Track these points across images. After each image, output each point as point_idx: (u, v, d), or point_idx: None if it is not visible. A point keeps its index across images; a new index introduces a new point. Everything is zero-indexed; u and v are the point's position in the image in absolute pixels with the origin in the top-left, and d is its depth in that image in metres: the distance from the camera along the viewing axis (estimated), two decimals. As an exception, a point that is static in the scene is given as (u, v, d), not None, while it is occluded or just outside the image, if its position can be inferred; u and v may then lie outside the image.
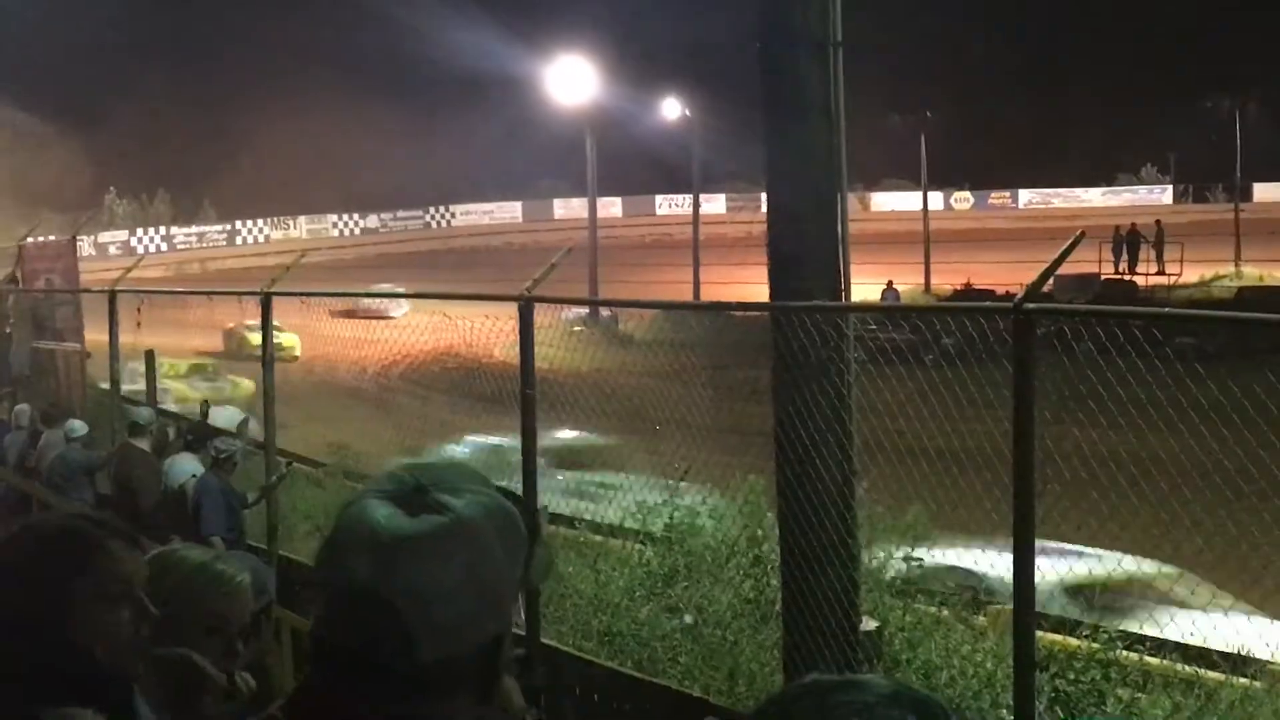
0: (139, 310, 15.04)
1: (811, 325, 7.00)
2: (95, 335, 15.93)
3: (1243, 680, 7.65)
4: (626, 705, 7.71)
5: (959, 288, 41.23)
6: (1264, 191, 66.04)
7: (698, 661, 8.47)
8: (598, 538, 10.78)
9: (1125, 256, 48.59)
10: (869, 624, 7.33)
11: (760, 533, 9.31)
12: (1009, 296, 5.76)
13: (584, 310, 33.35)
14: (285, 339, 27.15)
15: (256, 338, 28.63)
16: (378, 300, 36.86)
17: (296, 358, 29.24)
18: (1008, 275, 29.36)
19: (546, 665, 7.97)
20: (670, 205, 72.43)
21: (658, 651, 8.67)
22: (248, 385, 27.64)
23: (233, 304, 19.49)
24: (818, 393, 7.01)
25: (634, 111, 56.13)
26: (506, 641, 1.56)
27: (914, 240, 49.46)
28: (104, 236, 59.44)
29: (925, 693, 1.42)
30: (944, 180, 66.21)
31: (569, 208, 67.30)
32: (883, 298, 37.94)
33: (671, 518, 10.24)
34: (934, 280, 47.83)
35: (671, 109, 57.02)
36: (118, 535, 2.52)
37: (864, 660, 6.98)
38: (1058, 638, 7.81)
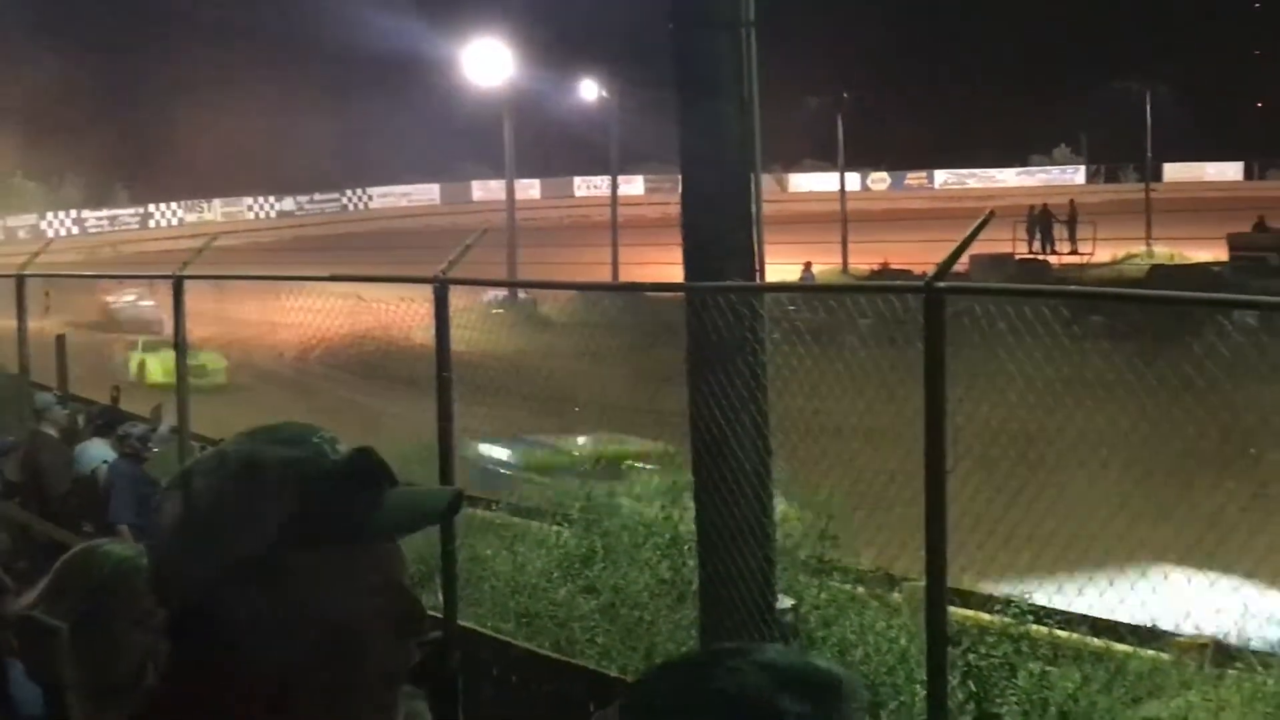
0: (46, 294, 14.78)
1: (726, 305, 7.02)
2: (2, 320, 15.64)
3: (1150, 652, 7.79)
4: (545, 686, 7.71)
5: (876, 268, 41.50)
6: (1174, 171, 67.19)
7: (615, 642, 8.49)
8: (515, 519, 10.77)
9: (1040, 236, 49.16)
10: (785, 602, 7.38)
11: (677, 513, 9.34)
12: (923, 276, 5.81)
13: (503, 292, 33.24)
14: (206, 359, 23.18)
15: (155, 361, 25.81)
16: (136, 309, 32.15)
17: (223, 384, 24.75)
18: (924, 255, 29.58)
19: (464, 647, 7.95)
20: (589, 187, 72.28)
21: (575, 632, 8.68)
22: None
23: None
24: (732, 373, 7.04)
25: (552, 93, 55.98)
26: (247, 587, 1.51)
27: (831, 221, 49.70)
28: (12, 220, 58.38)
29: (812, 664, 1.40)
30: (861, 161, 66.63)
31: (488, 190, 66.94)
32: (801, 279, 38.15)
33: (588, 498, 10.26)
34: (851, 260, 48.10)
35: (589, 90, 56.92)
36: None
37: (780, 638, 7.02)
38: (970, 613, 7.91)
